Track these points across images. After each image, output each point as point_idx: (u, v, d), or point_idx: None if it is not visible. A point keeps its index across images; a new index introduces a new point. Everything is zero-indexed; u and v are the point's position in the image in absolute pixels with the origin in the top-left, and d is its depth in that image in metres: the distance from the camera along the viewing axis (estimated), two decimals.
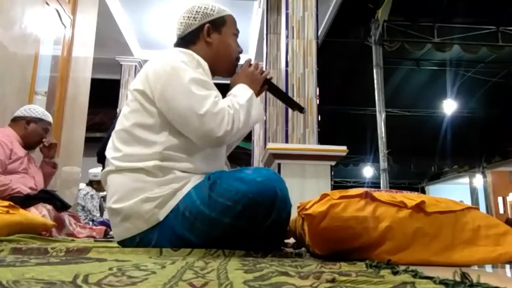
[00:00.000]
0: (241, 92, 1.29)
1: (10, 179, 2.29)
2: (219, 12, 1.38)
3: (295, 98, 3.44)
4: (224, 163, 1.39)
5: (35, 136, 2.54)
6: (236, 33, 1.41)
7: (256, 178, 1.12)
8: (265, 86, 1.41)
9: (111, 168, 1.23)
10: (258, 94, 1.37)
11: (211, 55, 1.34)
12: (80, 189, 4.64)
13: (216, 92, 1.23)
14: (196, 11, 1.36)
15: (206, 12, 1.36)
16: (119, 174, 1.21)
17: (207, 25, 1.35)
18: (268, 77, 1.41)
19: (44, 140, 2.55)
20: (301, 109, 1.52)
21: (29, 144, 2.54)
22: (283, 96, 1.57)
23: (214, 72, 1.36)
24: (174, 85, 1.19)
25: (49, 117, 2.62)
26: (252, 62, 1.41)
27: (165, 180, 1.17)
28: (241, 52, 1.43)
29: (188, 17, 1.37)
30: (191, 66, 1.23)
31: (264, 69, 1.41)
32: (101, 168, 1.36)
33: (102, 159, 1.35)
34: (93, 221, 4.26)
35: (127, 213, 1.18)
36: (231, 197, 1.10)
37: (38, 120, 2.54)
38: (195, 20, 1.36)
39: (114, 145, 1.26)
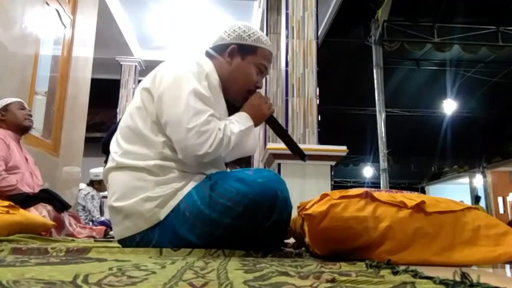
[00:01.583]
0: (241, 121, 1.26)
1: (16, 180, 2.31)
2: (254, 41, 1.34)
3: (295, 98, 3.44)
4: (224, 165, 1.39)
5: (17, 116, 2.54)
6: (261, 68, 1.36)
7: (257, 179, 1.12)
8: (268, 121, 1.39)
9: (113, 165, 1.24)
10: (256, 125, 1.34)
11: (225, 75, 1.32)
12: (80, 189, 4.65)
13: (212, 111, 1.19)
14: (234, 30, 1.35)
15: (241, 35, 1.34)
16: (120, 171, 1.22)
17: (233, 46, 1.33)
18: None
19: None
20: (303, 157, 1.44)
21: (19, 127, 2.55)
22: (286, 137, 1.49)
23: (224, 93, 1.32)
24: (173, 92, 1.19)
25: (13, 99, 2.60)
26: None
27: (165, 179, 1.18)
28: (258, 88, 1.38)
29: (225, 31, 1.35)
30: (197, 78, 1.21)
31: (272, 106, 1.38)
32: (105, 159, 1.36)
33: (106, 150, 1.36)
34: (92, 221, 4.27)
35: (128, 212, 1.18)
36: (232, 197, 1.11)
37: (7, 106, 2.54)
38: (228, 37, 1.34)
39: (118, 141, 1.27)
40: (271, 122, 1.41)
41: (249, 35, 1.34)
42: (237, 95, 1.35)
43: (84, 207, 4.52)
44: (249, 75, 1.34)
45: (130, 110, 1.28)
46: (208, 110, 1.18)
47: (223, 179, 1.15)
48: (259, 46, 1.35)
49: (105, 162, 1.34)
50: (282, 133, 1.48)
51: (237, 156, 1.28)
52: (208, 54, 1.37)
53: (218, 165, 1.32)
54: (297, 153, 1.45)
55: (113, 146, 1.29)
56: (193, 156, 1.15)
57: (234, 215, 1.10)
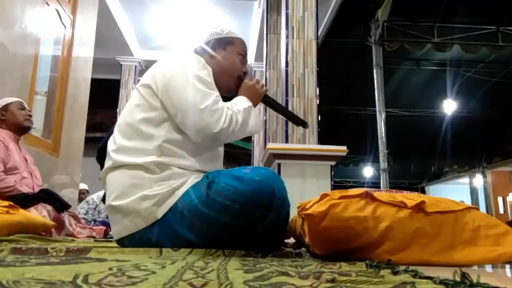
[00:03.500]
0: (240, 102, 1.34)
1: (15, 180, 2.30)
2: (228, 33, 1.48)
3: (295, 98, 3.44)
4: (222, 164, 1.41)
5: (17, 116, 2.53)
6: (242, 54, 1.46)
7: (254, 177, 1.13)
8: (264, 100, 1.47)
9: (110, 164, 1.25)
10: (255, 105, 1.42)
11: (214, 68, 1.37)
12: (82, 189, 4.69)
13: (217, 93, 1.27)
14: (207, 30, 1.49)
15: (216, 31, 1.47)
16: (117, 171, 1.23)
17: (212, 40, 1.44)
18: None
19: None
20: (304, 124, 1.54)
21: (19, 127, 2.54)
22: (284, 111, 1.61)
23: (216, 87, 1.36)
24: (179, 79, 1.24)
25: (13, 99, 2.58)
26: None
27: (163, 176, 1.19)
28: (246, 73, 1.47)
29: (201, 34, 1.48)
30: (197, 67, 1.28)
31: (264, 85, 1.47)
32: (100, 168, 1.37)
33: (101, 158, 1.36)
34: (95, 220, 4.30)
35: (126, 211, 1.19)
36: (229, 196, 1.11)
37: (7, 106, 2.52)
38: (205, 37, 1.47)
39: (115, 139, 1.28)
40: (268, 100, 1.50)
41: (222, 29, 1.47)
42: (229, 84, 1.42)
43: (96, 206, 4.57)
44: (235, 63, 1.44)
45: (129, 107, 1.30)
46: (214, 93, 1.26)
47: (221, 178, 1.16)
48: (234, 36, 1.48)
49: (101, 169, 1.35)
50: (280, 108, 1.60)
51: (245, 134, 1.33)
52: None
53: (216, 163, 1.33)
54: (299, 124, 1.56)
55: (110, 145, 1.30)
56: (211, 134, 1.21)
57: (232, 214, 1.10)
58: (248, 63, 1.53)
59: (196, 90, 1.22)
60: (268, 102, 1.51)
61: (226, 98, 1.36)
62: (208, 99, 1.21)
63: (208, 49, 1.43)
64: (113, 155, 1.24)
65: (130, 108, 1.28)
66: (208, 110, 1.20)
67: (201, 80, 1.24)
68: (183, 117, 1.21)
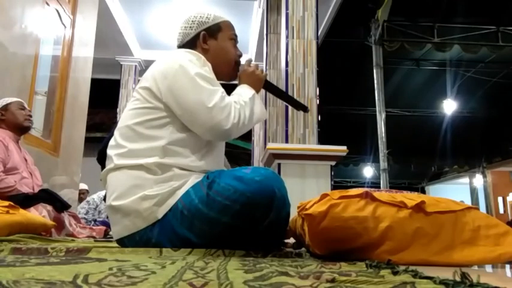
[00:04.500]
0: (244, 92, 1.34)
1: (15, 180, 2.30)
2: (214, 19, 1.44)
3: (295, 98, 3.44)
4: (223, 163, 1.40)
5: (17, 116, 2.52)
6: (233, 38, 1.45)
7: (254, 177, 1.12)
8: (265, 85, 1.46)
9: (111, 166, 1.25)
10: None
11: (210, 61, 1.36)
12: (82, 189, 4.69)
13: (222, 89, 1.27)
14: (192, 21, 1.43)
15: (201, 21, 1.42)
16: (118, 171, 1.23)
17: (202, 33, 1.41)
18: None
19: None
20: (305, 108, 1.55)
21: (18, 126, 2.53)
22: (284, 95, 1.62)
23: (216, 77, 1.36)
24: (182, 80, 1.23)
25: (13, 99, 2.58)
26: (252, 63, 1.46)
27: (164, 177, 1.18)
28: (240, 56, 1.46)
29: (185, 27, 1.43)
30: (198, 65, 1.27)
31: (263, 70, 1.47)
32: (100, 168, 1.37)
33: (102, 159, 1.36)
34: (95, 220, 4.30)
35: (126, 211, 1.18)
36: (229, 196, 1.11)
37: (7, 106, 2.52)
38: (192, 29, 1.42)
39: (117, 142, 1.27)
40: (268, 85, 1.51)
41: (207, 17, 1.43)
42: (229, 72, 1.43)
43: (97, 206, 4.57)
44: (229, 49, 1.43)
45: (129, 111, 1.29)
46: (219, 89, 1.25)
47: (221, 178, 1.15)
48: (220, 22, 1.45)
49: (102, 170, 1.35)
50: (281, 93, 1.61)
51: (252, 124, 1.33)
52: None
53: (218, 163, 1.34)
54: (299, 108, 1.57)
55: (111, 147, 1.29)
56: (222, 131, 1.21)
57: (232, 214, 1.10)
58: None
59: (201, 89, 1.22)
60: (269, 87, 1.52)
61: (229, 86, 1.36)
62: (215, 96, 1.21)
63: (201, 43, 1.40)
64: (114, 157, 1.24)
65: (131, 111, 1.27)
66: (217, 107, 1.20)
67: (203, 77, 1.24)
68: (192, 117, 1.21)
